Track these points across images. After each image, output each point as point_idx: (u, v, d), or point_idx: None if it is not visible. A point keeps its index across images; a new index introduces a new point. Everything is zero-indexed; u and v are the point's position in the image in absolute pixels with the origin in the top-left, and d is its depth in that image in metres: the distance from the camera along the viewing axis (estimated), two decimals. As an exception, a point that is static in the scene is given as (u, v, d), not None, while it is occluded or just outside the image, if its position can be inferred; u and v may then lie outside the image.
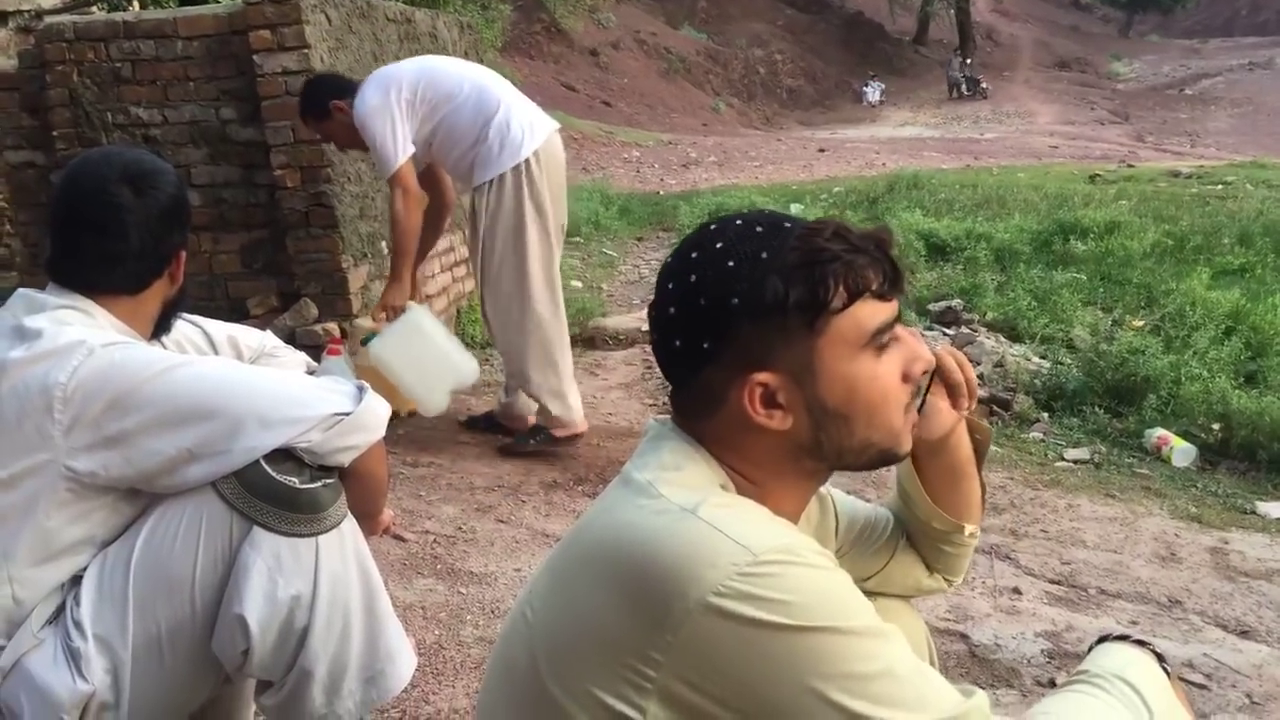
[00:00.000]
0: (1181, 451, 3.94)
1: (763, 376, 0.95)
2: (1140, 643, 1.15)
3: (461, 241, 5.65)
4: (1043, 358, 5.04)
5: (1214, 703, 2.37)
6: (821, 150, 18.31)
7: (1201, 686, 2.43)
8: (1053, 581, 2.96)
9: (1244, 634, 2.69)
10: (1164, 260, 7.01)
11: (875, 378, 0.98)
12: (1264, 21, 48.84)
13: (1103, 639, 1.19)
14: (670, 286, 0.99)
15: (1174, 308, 5.39)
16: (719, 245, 0.97)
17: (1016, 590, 2.87)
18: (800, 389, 0.96)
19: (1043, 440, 4.19)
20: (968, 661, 2.49)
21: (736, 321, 0.94)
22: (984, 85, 28.57)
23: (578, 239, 8.59)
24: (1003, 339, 5.38)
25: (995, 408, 4.53)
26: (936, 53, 34.29)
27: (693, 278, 0.96)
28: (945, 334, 5.41)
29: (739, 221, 0.99)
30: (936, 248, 7.49)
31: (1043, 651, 2.52)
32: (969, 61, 30.08)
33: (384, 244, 4.56)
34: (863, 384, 0.97)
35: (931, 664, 1.37)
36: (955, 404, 1.19)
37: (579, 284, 6.74)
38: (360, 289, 4.29)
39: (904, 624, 1.31)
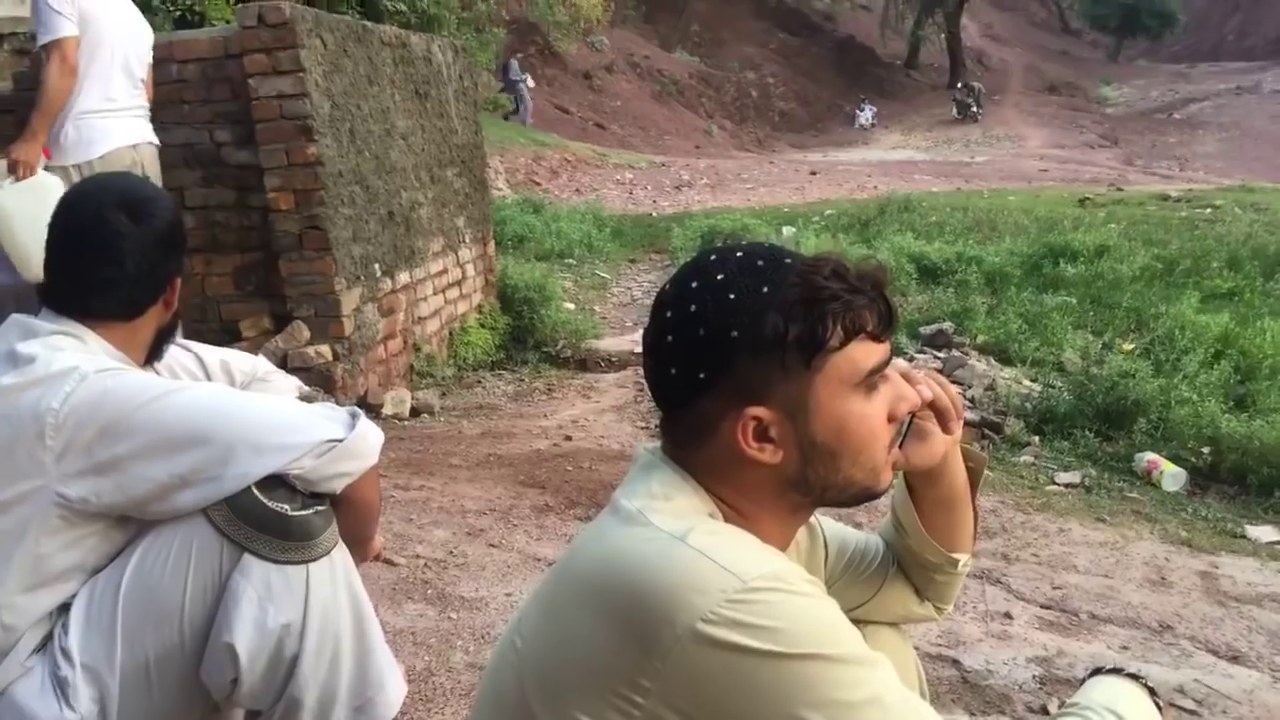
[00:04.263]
0: (1171, 476, 3.95)
1: (757, 410, 0.96)
2: (1134, 676, 1.15)
3: (455, 263, 5.67)
4: (1034, 381, 5.06)
5: (1205, 729, 2.37)
6: (813, 173, 18.42)
7: (1193, 713, 2.43)
8: (1044, 606, 2.96)
9: (1235, 659, 2.69)
10: (1153, 284, 7.05)
11: (865, 417, 0.99)
12: (1250, 46, 49.38)
13: (1096, 671, 1.19)
14: (668, 314, 0.99)
15: (1163, 331, 5.42)
16: (720, 276, 0.97)
17: (1008, 615, 2.87)
18: (792, 424, 0.97)
19: (1034, 464, 4.20)
20: (959, 687, 2.49)
21: (735, 354, 0.95)
22: (974, 110, 28.78)
23: (570, 260, 8.62)
24: (994, 362, 5.40)
25: (987, 431, 4.54)
26: (928, 77, 34.57)
27: (692, 307, 0.97)
28: (937, 357, 5.42)
29: (740, 253, 0.99)
30: (928, 271, 7.53)
31: (1034, 677, 2.51)
32: (973, 86, 30.28)
33: (376, 266, 4.57)
34: (853, 423, 0.98)
35: (921, 693, 1.37)
36: (945, 427, 1.19)
37: (571, 306, 6.75)
38: (353, 311, 4.30)
39: (894, 652, 1.31)
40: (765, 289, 0.95)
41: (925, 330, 5.76)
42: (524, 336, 5.77)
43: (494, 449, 3.88)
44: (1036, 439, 4.46)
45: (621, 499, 1.00)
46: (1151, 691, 1.14)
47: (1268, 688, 2.55)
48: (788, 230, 9.68)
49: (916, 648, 2.61)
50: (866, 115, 29.66)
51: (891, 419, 1.03)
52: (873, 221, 10.27)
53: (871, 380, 0.99)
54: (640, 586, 0.88)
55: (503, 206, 10.16)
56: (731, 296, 0.95)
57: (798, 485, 1.00)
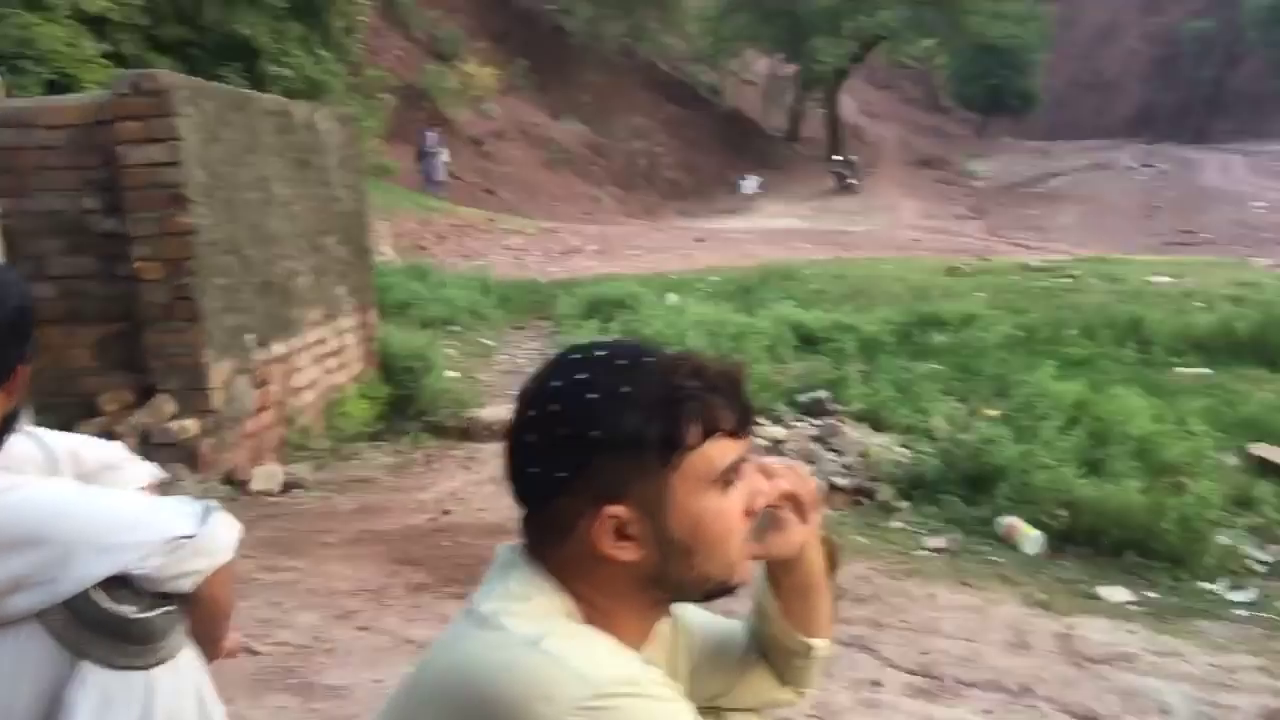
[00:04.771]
0: (1030, 539, 4.13)
1: (615, 509, 0.97)
2: None
3: (334, 333, 5.58)
4: (904, 447, 5.23)
5: (1061, 790, 2.46)
6: (699, 240, 18.78)
7: (1049, 774, 2.53)
8: (912, 673, 3.04)
9: None
10: (1016, 351, 7.38)
11: (721, 513, 1.01)
12: (1107, 124, 52.80)
13: None
14: (530, 414, 1.00)
15: (1023, 398, 5.68)
16: (581, 375, 0.99)
17: (877, 683, 2.94)
18: (651, 522, 0.98)
19: (904, 529, 4.33)
20: (829, 759, 2.53)
21: (594, 454, 0.96)
22: (851, 182, 29.91)
23: (455, 328, 8.57)
24: (867, 429, 5.57)
25: (860, 497, 4.67)
26: (809, 149, 35.81)
27: (554, 407, 0.98)
28: (813, 424, 5.57)
29: (602, 352, 1.02)
30: (806, 339, 7.74)
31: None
32: (851, 159, 31.49)
33: (249, 337, 4.47)
34: (709, 519, 1.00)
35: (781, 778, 1.38)
36: (803, 518, 1.22)
37: (455, 374, 6.70)
38: (224, 383, 4.19)
39: (759, 741, 1.34)
40: (626, 388, 0.97)
41: (802, 398, 5.91)
42: (405, 406, 5.69)
43: (369, 525, 3.80)
44: (907, 504, 4.61)
45: (478, 602, 1.01)
46: None
47: (1119, 747, 2.67)
48: (672, 298, 9.83)
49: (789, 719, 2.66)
50: (750, 185, 30.51)
51: (749, 513, 1.06)
52: (755, 289, 10.52)
53: (728, 476, 1.01)
54: (489, 696, 0.89)
55: (387, 272, 10.05)
56: (592, 396, 0.97)
57: (657, 582, 1.02)
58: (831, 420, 5.58)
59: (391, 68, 20.52)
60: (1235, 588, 3.85)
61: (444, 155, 20.84)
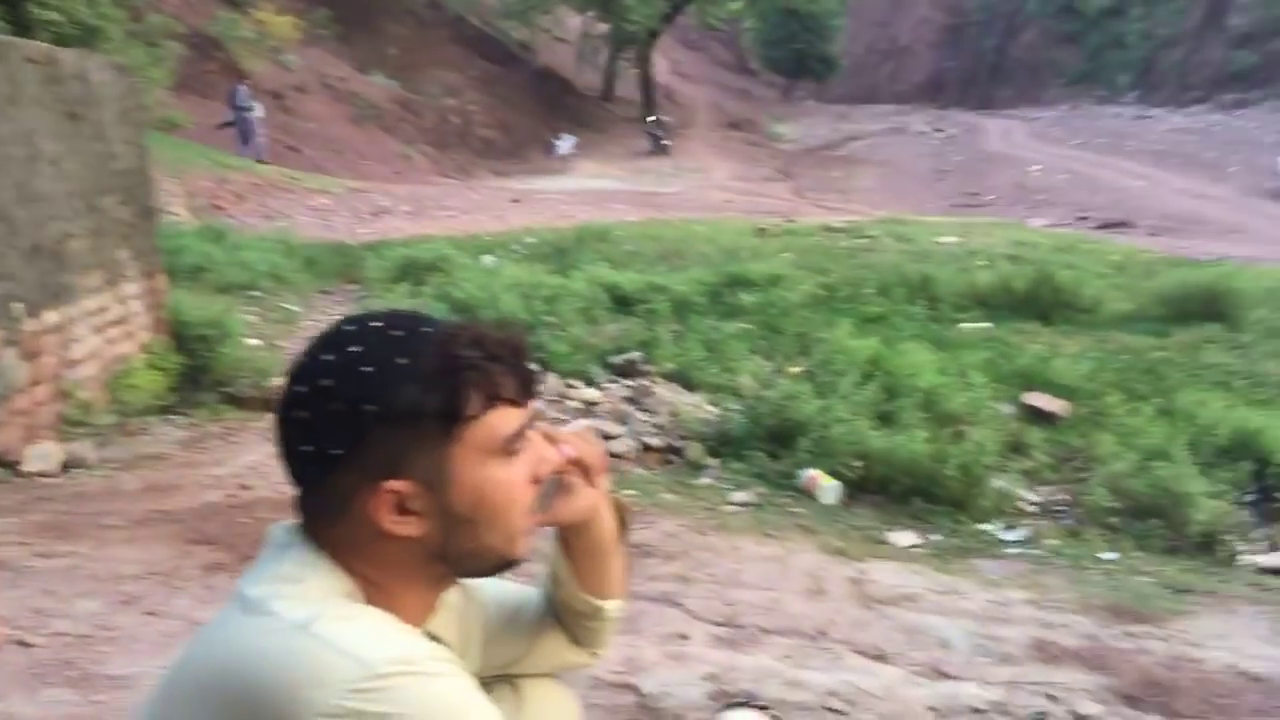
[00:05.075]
0: (829, 490, 4.35)
1: (395, 484, 0.95)
2: (763, 707, 1.25)
3: (116, 300, 5.20)
4: (713, 406, 5.38)
5: (851, 727, 2.61)
6: (515, 200, 18.57)
7: (843, 713, 2.67)
8: (717, 624, 3.14)
9: (878, 658, 2.99)
10: (818, 310, 7.71)
11: (504, 483, 1.00)
12: (902, 90, 55.47)
13: (728, 705, 1.29)
14: (301, 389, 0.97)
15: (823, 355, 5.95)
16: (355, 348, 0.96)
17: (684, 636, 3.03)
18: (432, 496, 0.97)
19: (712, 485, 4.46)
20: (636, 712, 2.58)
21: (371, 428, 0.94)
22: (665, 143, 30.27)
23: (256, 293, 8.16)
24: (679, 388, 5.69)
25: (670, 456, 4.78)
26: (623, 109, 35.94)
27: (326, 381, 0.95)
28: (626, 385, 5.64)
29: (376, 324, 0.99)
30: (620, 300, 7.81)
31: (705, 694, 2.66)
32: (664, 120, 31.80)
33: (16, 306, 4.11)
34: (491, 490, 0.99)
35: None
36: (590, 481, 1.23)
37: (256, 342, 6.39)
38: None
39: (555, 704, 1.34)
40: (402, 360, 0.95)
41: (615, 360, 5.98)
42: (200, 376, 5.39)
43: (158, 504, 3.59)
44: (716, 461, 4.75)
45: (246, 585, 0.96)
46: (776, 719, 1.25)
47: (904, 682, 2.86)
48: (488, 259, 9.70)
49: (597, 678, 2.71)
50: (566, 145, 30.37)
51: (535, 481, 1.06)
52: (570, 251, 10.51)
53: (512, 445, 1.00)
54: (256, 686, 0.86)
55: (179, 234, 9.42)
56: (367, 369, 0.94)
57: (440, 556, 1.00)
58: (644, 381, 5.67)
59: (178, 14, 19.14)
60: (1009, 528, 4.18)
61: (259, 111, 19.68)
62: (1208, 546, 4.09)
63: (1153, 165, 27.63)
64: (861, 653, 3.02)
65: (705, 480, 4.53)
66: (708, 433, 4.95)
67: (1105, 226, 18.20)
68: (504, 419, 0.99)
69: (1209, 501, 4.22)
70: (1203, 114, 38.60)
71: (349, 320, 1.01)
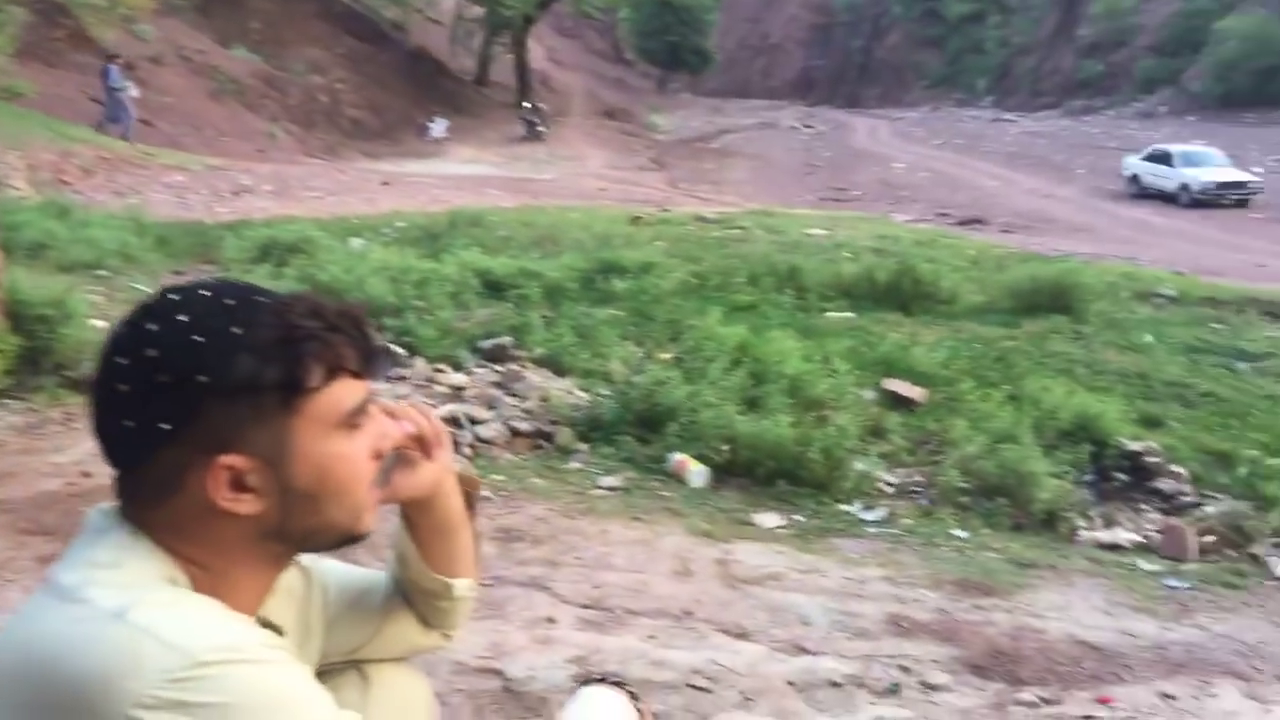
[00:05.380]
0: (696, 473, 4.40)
1: (231, 459, 0.90)
2: (618, 683, 1.25)
3: (-57, 276, 4.84)
4: (584, 391, 5.38)
5: (714, 704, 2.65)
6: (385, 183, 18.17)
7: (706, 690, 2.72)
8: (584, 606, 3.15)
9: (741, 636, 3.05)
10: (689, 297, 7.80)
11: (346, 457, 0.97)
12: (774, 86, 56.72)
13: (585, 682, 1.28)
14: (123, 361, 0.91)
15: (693, 342, 6.03)
16: (183, 318, 0.91)
17: (551, 619, 3.02)
18: (271, 471, 0.93)
19: (581, 470, 4.46)
20: (501, 697, 2.57)
21: (203, 401, 0.89)
22: (540, 129, 30.09)
23: (103, 272, 7.73)
24: (549, 374, 5.66)
25: (540, 441, 4.75)
26: (499, 94, 35.55)
27: (151, 352, 0.89)
28: (495, 370, 5.58)
29: (205, 292, 0.94)
30: (492, 285, 7.72)
31: (570, 677, 2.66)
32: (540, 107, 31.57)
33: None
34: (333, 464, 0.96)
35: (433, 726, 1.37)
36: (430, 455, 1.19)
37: (102, 324, 6.05)
38: None
39: (403, 691, 1.30)
40: (237, 330, 0.90)
41: (485, 344, 5.91)
42: (39, 359, 5.05)
43: (-10, 493, 3.37)
44: (585, 446, 4.75)
45: (58, 572, 0.91)
46: (633, 695, 1.25)
47: (766, 659, 2.92)
48: (357, 242, 9.45)
49: (461, 663, 2.68)
50: (439, 128, 29.87)
51: (376, 456, 1.03)
52: (442, 235, 10.33)
53: (354, 419, 0.97)
54: (64, 678, 0.81)
55: (18, 210, 8.86)
56: (198, 339, 0.90)
57: (278, 534, 0.96)
58: (514, 366, 5.62)
59: (20, -25, 17.93)
60: (868, 508, 4.32)
61: (131, 90, 18.71)
62: (1050, 524, 4.32)
63: (1006, 166, 29.04)
64: (725, 631, 3.07)
65: (574, 465, 4.52)
66: (578, 418, 4.94)
67: (963, 223, 19.06)
68: (347, 391, 0.96)
69: (1052, 481, 4.46)
70: (1053, 119, 40.75)
71: (173, 289, 0.95)
